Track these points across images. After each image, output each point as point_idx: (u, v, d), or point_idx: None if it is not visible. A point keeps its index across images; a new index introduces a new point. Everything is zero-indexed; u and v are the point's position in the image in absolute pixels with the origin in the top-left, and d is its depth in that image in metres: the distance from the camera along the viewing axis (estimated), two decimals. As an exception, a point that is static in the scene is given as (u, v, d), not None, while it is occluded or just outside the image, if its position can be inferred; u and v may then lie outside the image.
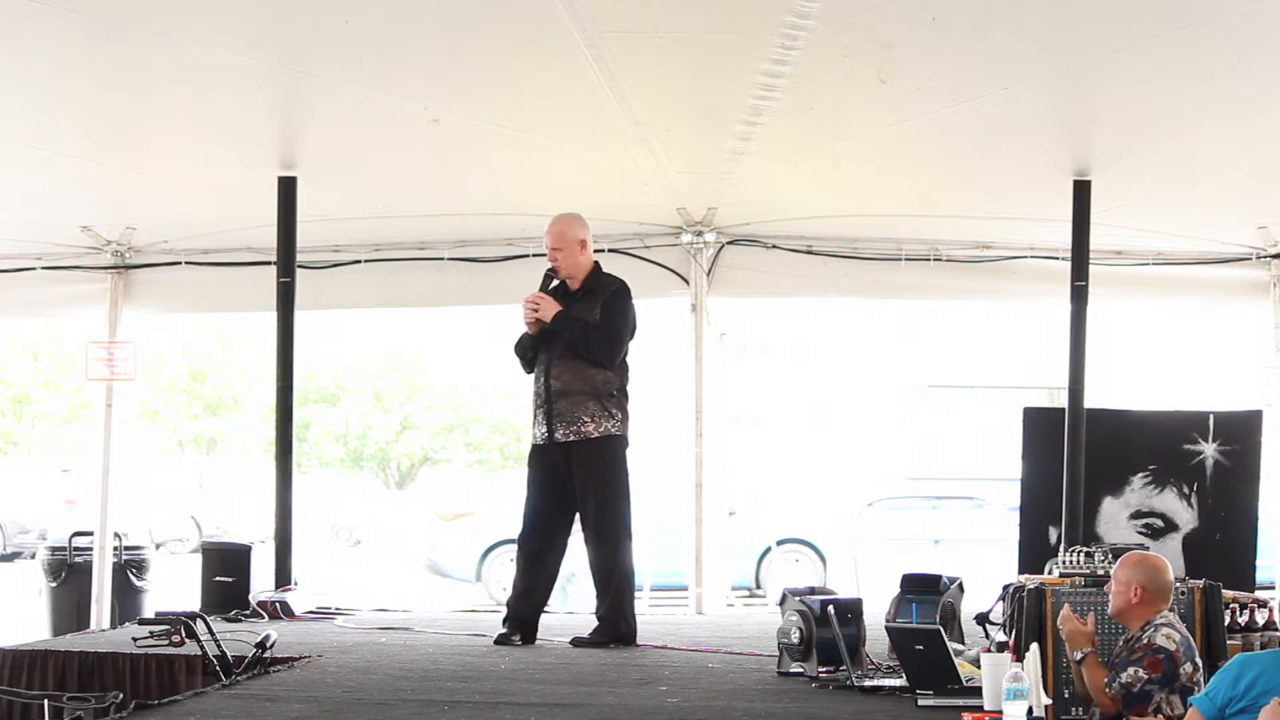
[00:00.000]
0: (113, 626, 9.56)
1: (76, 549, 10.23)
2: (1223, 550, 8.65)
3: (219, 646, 6.36)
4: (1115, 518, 8.80)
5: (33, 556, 13.07)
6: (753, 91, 7.29)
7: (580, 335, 7.36)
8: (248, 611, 8.60)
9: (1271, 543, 9.95)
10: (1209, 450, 8.79)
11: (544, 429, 7.43)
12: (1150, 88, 7.33)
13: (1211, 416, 8.88)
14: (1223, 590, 5.73)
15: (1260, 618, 6.12)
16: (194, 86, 7.43)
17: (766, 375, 29.10)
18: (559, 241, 7.49)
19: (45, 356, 30.62)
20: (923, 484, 21.40)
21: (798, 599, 6.25)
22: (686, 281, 9.91)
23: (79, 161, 8.59)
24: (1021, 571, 7.58)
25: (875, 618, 6.46)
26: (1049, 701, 5.13)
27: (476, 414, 33.03)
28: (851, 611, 6.13)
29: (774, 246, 9.91)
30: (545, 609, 7.79)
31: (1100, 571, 5.63)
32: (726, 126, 7.85)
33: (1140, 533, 8.72)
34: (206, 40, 6.86)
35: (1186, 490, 8.78)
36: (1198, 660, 5.08)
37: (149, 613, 8.61)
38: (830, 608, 6.06)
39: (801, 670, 6.22)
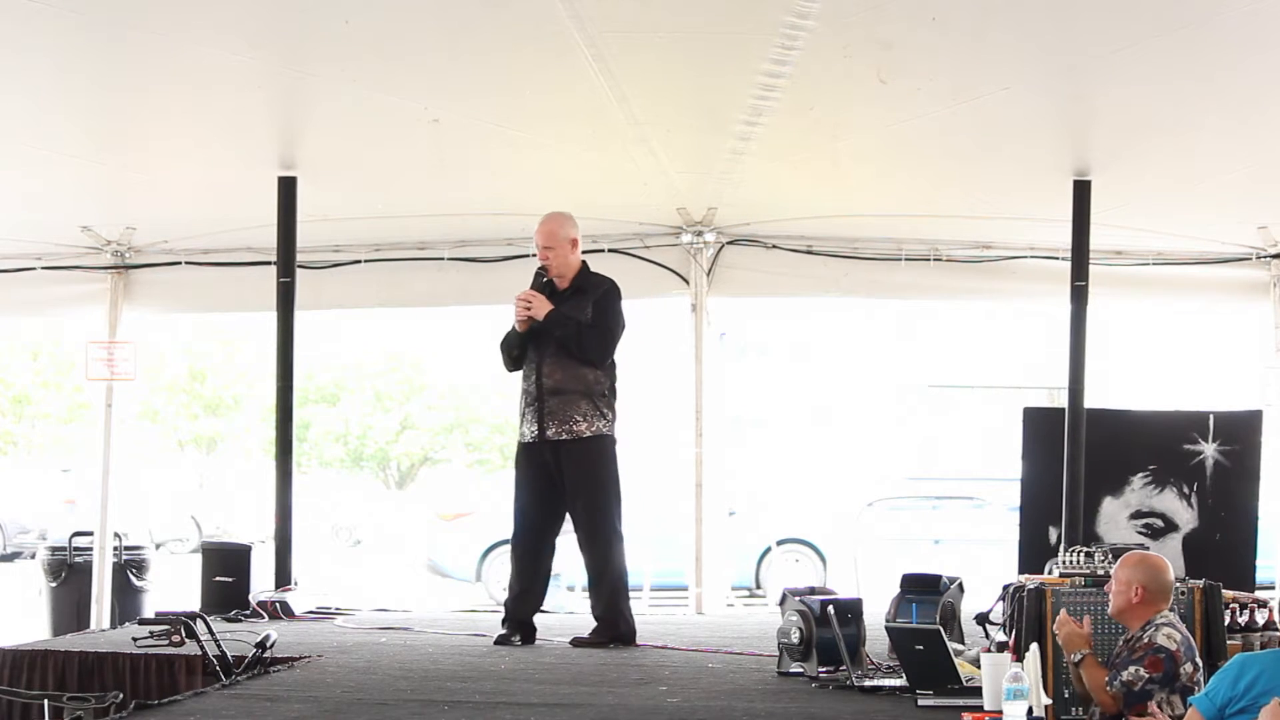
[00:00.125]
0: (113, 626, 9.56)
1: (76, 549, 10.23)
2: (1223, 550, 8.65)
3: (219, 646, 6.36)
4: (1115, 518, 8.80)
5: (33, 556, 13.07)
6: (753, 91, 7.29)
7: (573, 334, 7.35)
8: (248, 611, 8.60)
9: (1271, 543, 9.95)
10: (1209, 450, 8.79)
11: (534, 427, 7.42)
12: (1150, 88, 7.33)
13: (1211, 416, 8.88)
14: (1223, 590, 5.73)
15: (1260, 618, 6.12)
16: (194, 86, 7.43)
17: (766, 375, 29.09)
18: (550, 240, 7.49)
19: (45, 356, 30.62)
20: (923, 484, 21.40)
21: (798, 599, 6.25)
22: (686, 281, 9.92)
23: (79, 161, 8.59)
24: (1021, 571, 7.58)
25: (875, 618, 6.46)
26: (1049, 701, 5.13)
27: (476, 414, 33.02)
28: (851, 611, 6.13)
29: (774, 246, 9.91)
30: (543, 609, 7.81)
31: (1100, 571, 5.63)
32: (726, 126, 7.85)
33: (1140, 533, 8.72)
34: (206, 40, 6.86)
35: (1186, 490, 8.78)
36: (1198, 660, 5.08)
37: (149, 613, 8.61)
38: (830, 608, 6.06)
39: (801, 670, 6.22)
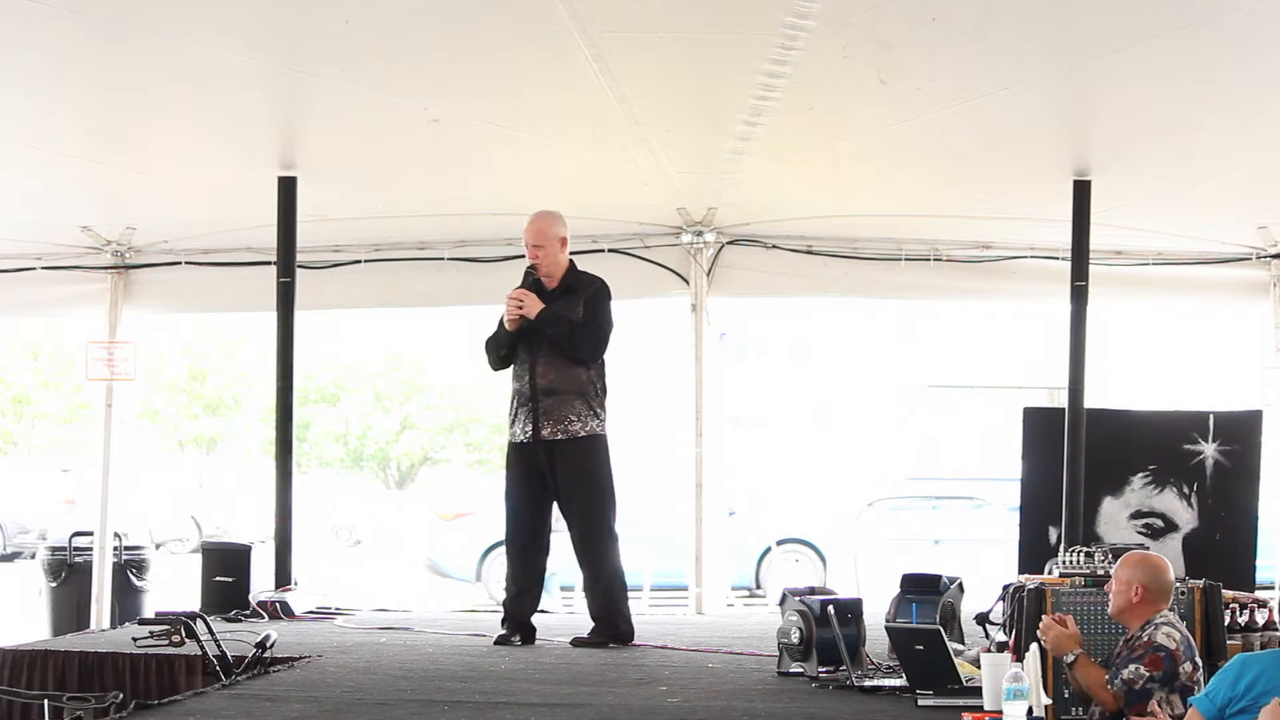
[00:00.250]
0: (113, 626, 9.56)
1: (76, 549, 10.23)
2: (1223, 550, 8.65)
3: (219, 646, 6.35)
4: (1115, 518, 8.80)
5: (33, 556, 13.07)
6: (753, 91, 7.29)
7: (565, 333, 7.35)
8: (248, 611, 8.60)
9: (1271, 543, 9.95)
10: (1209, 450, 8.79)
11: (528, 427, 7.41)
12: (1150, 88, 7.33)
13: (1211, 416, 8.88)
14: (1223, 590, 5.73)
15: (1260, 618, 6.11)
16: (194, 86, 7.43)
17: (766, 375, 29.09)
18: (540, 239, 7.47)
19: (45, 356, 30.62)
20: (923, 484, 21.40)
21: (798, 599, 6.25)
22: (686, 281, 9.92)
23: (79, 161, 8.59)
24: (1021, 571, 7.58)
25: (875, 618, 6.46)
26: (1049, 701, 5.13)
27: (476, 414, 33.02)
28: (851, 611, 6.13)
29: (774, 246, 9.91)
30: (541, 608, 7.81)
31: (1100, 571, 5.62)
32: (726, 126, 7.85)
33: (1140, 533, 8.72)
34: (206, 40, 6.86)
35: (1186, 490, 8.78)
36: (1198, 660, 5.08)
37: (149, 613, 8.60)
38: (830, 608, 6.05)
39: (801, 670, 6.22)
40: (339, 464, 33.17)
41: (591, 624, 7.47)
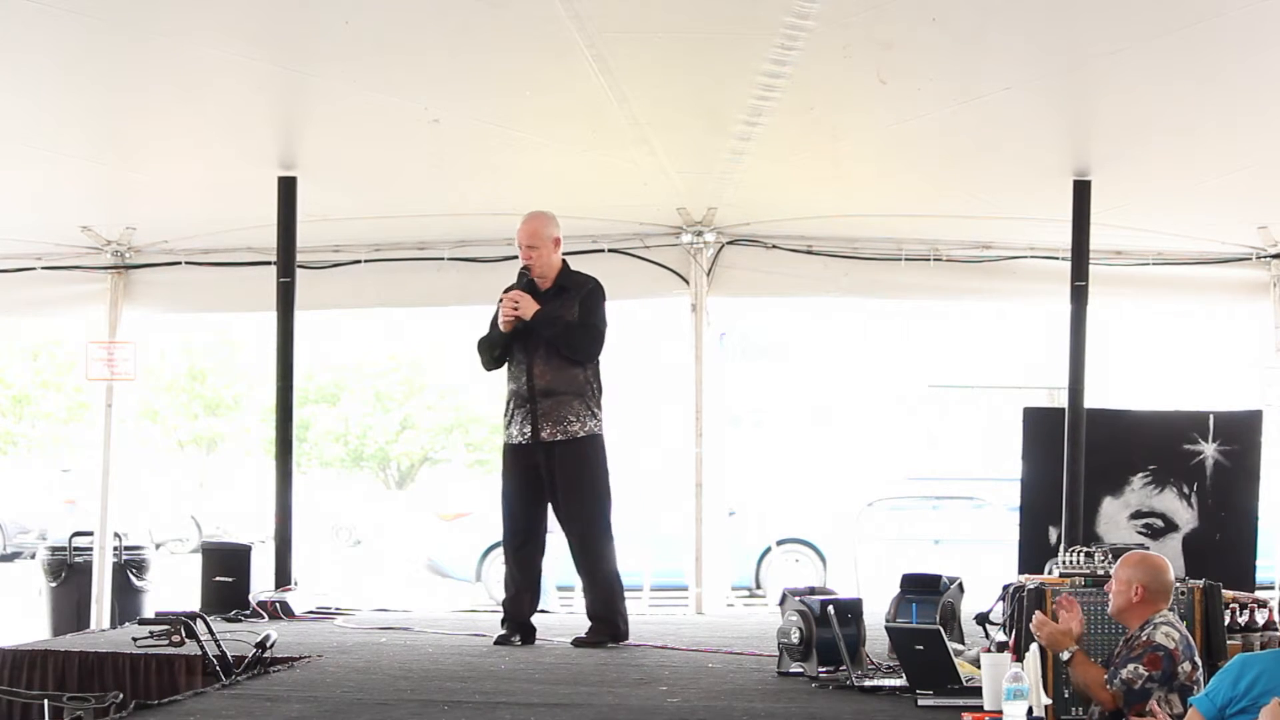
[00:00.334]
0: (113, 626, 9.56)
1: (76, 549, 10.23)
2: (1223, 550, 8.65)
3: (219, 646, 6.36)
4: (1115, 518, 8.80)
5: (33, 556, 13.07)
6: (753, 91, 7.29)
7: (562, 333, 7.35)
8: (248, 611, 8.60)
9: (1271, 543, 9.95)
10: (1209, 450, 8.79)
11: (527, 429, 7.40)
12: (1150, 88, 7.33)
13: (1211, 416, 8.88)
14: (1223, 590, 5.73)
15: (1260, 618, 6.12)
16: (194, 86, 7.43)
17: (766, 375, 29.07)
18: (534, 240, 7.45)
19: (45, 356, 30.61)
20: (923, 484, 21.37)
21: (798, 599, 6.25)
22: (686, 281, 9.92)
23: (79, 161, 8.59)
24: (1021, 571, 7.58)
25: (875, 618, 6.46)
26: (1049, 701, 5.14)
27: (476, 414, 32.99)
28: (851, 611, 6.13)
29: (774, 246, 9.91)
30: (541, 608, 7.82)
31: (1100, 571, 5.62)
32: (726, 126, 7.85)
33: (1140, 533, 8.72)
34: (207, 40, 6.86)
35: (1186, 490, 8.78)
36: (1197, 659, 5.08)
37: (149, 613, 8.60)
38: (830, 608, 6.06)
39: (801, 670, 6.22)
40: (339, 464, 33.14)
41: (589, 624, 7.47)
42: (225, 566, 9.00)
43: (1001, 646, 5.71)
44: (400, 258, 10.11)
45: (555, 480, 7.43)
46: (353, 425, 32.62)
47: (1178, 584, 5.43)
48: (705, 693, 5.94)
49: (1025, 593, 5.62)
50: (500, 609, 7.80)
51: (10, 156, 8.38)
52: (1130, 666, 5.00)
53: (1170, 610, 5.18)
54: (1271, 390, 9.79)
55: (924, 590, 6.56)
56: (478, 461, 32.95)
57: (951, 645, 5.76)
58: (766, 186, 9.05)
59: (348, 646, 7.35)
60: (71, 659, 7.02)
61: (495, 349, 7.52)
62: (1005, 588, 6.10)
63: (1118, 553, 5.53)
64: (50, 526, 18.34)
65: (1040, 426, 9.03)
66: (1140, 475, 8.81)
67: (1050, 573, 6.06)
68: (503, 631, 7.48)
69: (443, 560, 17.34)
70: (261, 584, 8.89)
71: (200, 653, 6.35)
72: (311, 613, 8.80)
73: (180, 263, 10.20)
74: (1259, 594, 6.62)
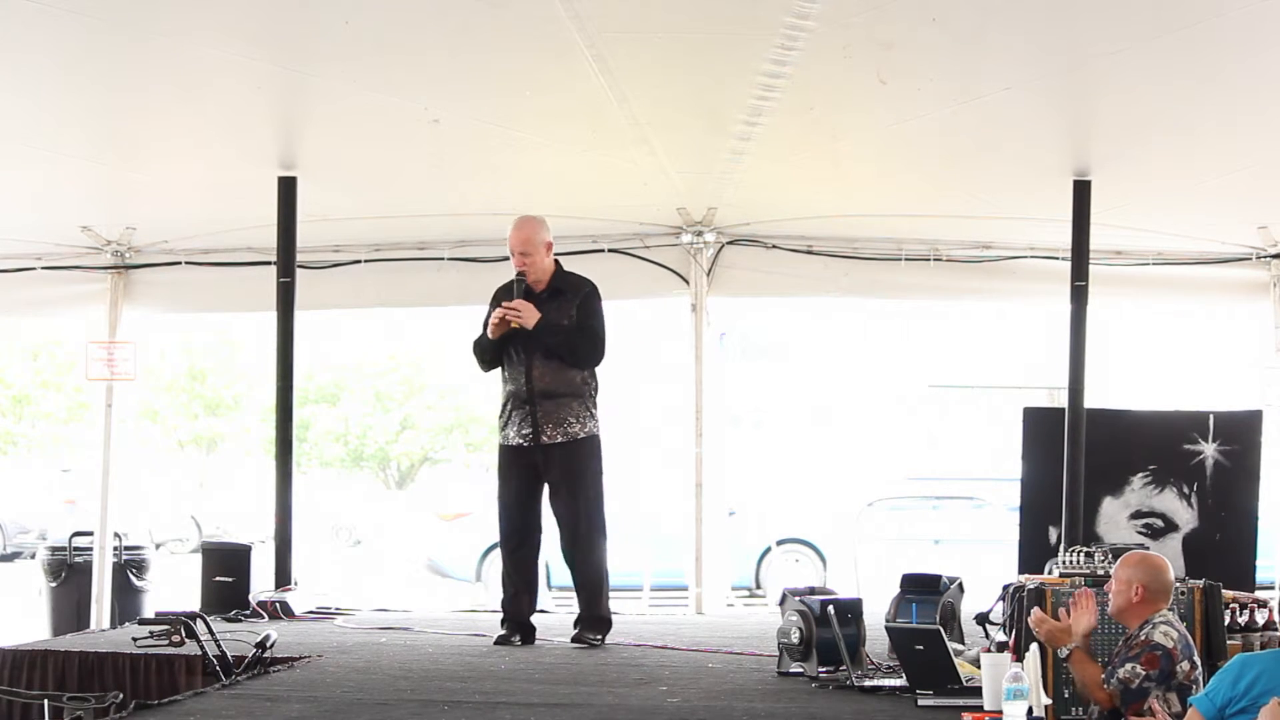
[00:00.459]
0: (113, 626, 9.55)
1: (76, 549, 10.23)
2: (1223, 550, 8.65)
3: (219, 646, 6.36)
4: (1115, 518, 8.80)
5: (33, 556, 13.06)
6: (753, 91, 7.29)
7: (564, 341, 7.35)
8: (248, 611, 8.60)
9: (1271, 543, 9.94)
10: (1209, 450, 8.79)
11: (527, 430, 7.40)
12: (1150, 88, 7.33)
13: (1211, 416, 8.88)
14: (1223, 590, 5.73)
15: (1260, 618, 6.12)
16: (194, 86, 7.43)
17: (766, 375, 29.07)
18: (528, 246, 7.43)
19: (45, 356, 30.60)
20: (923, 484, 21.37)
21: (798, 599, 6.25)
22: (686, 281, 9.92)
23: (79, 161, 8.59)
24: (1021, 571, 7.58)
25: (875, 618, 6.46)
26: (1049, 701, 5.14)
27: (476, 414, 32.99)
28: (851, 611, 6.13)
29: (774, 246, 9.91)
30: (541, 608, 7.84)
31: (1100, 571, 5.63)
32: (726, 126, 7.85)
33: (1140, 533, 8.72)
34: (206, 40, 6.86)
35: (1186, 490, 8.78)
36: (1196, 659, 5.07)
37: (149, 613, 8.60)
38: (830, 608, 6.06)
39: (801, 670, 6.22)
40: (339, 464, 33.14)
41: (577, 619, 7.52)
42: (225, 566, 9.00)
43: (1001, 646, 5.71)
44: (400, 258, 10.11)
45: (553, 480, 7.45)
46: (353, 425, 32.61)
47: (1178, 584, 5.43)
48: (705, 693, 5.94)
49: (1025, 593, 5.62)
50: (500, 609, 7.80)
51: (10, 156, 8.38)
52: (1128, 666, 5.00)
53: (1170, 610, 5.18)
54: (1271, 390, 9.79)
55: (924, 590, 6.56)
56: (478, 462, 32.95)
57: (951, 645, 5.76)
58: (766, 186, 9.05)
59: (348, 646, 7.35)
60: (71, 659, 7.02)
61: (487, 354, 7.53)
62: (1005, 588, 6.10)
63: (1118, 553, 5.53)
64: (50, 526, 18.33)
65: (1040, 426, 9.03)
66: (1140, 475, 8.81)
67: (1050, 573, 6.06)
68: (503, 631, 7.48)
69: (443, 560, 17.33)
70: (261, 584, 8.89)
71: (200, 653, 6.36)
72: (311, 613, 8.80)
73: (180, 263, 10.20)
74: (1259, 594, 6.62)
